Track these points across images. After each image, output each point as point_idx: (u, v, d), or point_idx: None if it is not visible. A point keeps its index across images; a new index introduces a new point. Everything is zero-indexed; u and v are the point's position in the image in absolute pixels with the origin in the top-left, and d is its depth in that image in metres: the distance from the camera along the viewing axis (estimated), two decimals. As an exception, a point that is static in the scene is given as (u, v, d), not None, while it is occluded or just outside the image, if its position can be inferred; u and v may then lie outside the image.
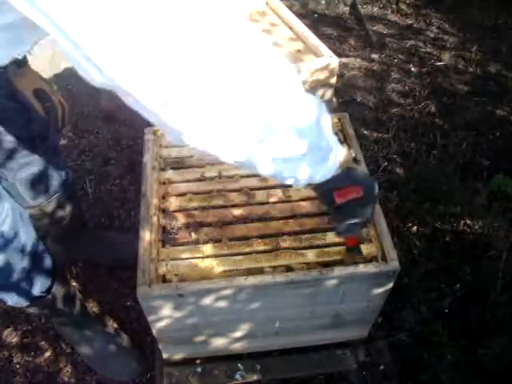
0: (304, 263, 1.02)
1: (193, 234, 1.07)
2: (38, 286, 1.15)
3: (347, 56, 2.56)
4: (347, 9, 2.93)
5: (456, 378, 1.35)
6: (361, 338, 1.29)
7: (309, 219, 1.11)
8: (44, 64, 2.13)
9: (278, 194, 1.15)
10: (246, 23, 0.56)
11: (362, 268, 0.99)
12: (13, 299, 1.13)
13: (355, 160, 1.18)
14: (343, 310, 1.12)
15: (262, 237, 1.07)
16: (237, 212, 1.11)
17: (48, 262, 1.18)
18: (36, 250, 1.11)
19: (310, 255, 1.03)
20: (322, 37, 2.07)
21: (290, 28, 1.89)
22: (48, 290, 1.18)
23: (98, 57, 0.51)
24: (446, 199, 1.77)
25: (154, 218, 1.08)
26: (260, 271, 1.01)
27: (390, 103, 2.29)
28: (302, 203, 1.13)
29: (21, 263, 1.06)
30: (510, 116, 2.22)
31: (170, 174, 1.20)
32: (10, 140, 1.07)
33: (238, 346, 1.22)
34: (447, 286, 1.57)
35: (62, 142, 2.00)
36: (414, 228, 1.72)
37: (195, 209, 1.13)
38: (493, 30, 2.76)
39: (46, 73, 2.15)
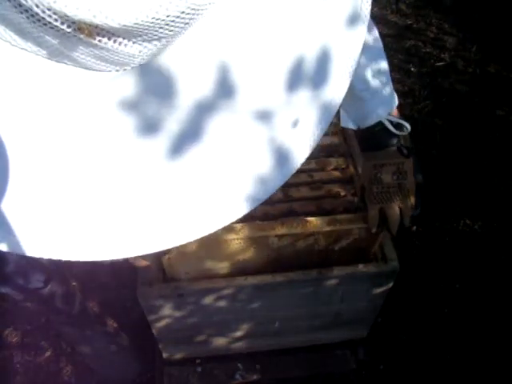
0: (312, 232, 0.99)
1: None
2: (33, 281, 1.14)
3: (347, 56, 2.56)
4: (347, 9, 2.93)
5: (456, 379, 1.35)
6: (361, 337, 1.29)
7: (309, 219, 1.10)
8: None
9: (278, 194, 1.15)
10: None
11: (361, 268, 0.99)
12: (6, 289, 1.13)
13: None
14: (343, 309, 1.13)
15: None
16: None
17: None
18: None
19: (319, 222, 1.00)
20: (321, 37, 2.07)
21: (290, 28, 1.89)
22: (44, 285, 1.17)
23: None
24: (446, 199, 1.77)
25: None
26: (265, 240, 1.00)
27: (390, 103, 2.28)
28: (302, 203, 1.13)
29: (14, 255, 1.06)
30: (510, 116, 2.22)
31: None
32: None
33: (237, 346, 1.22)
34: (447, 286, 1.57)
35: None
36: (414, 228, 1.72)
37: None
38: (493, 29, 2.76)
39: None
